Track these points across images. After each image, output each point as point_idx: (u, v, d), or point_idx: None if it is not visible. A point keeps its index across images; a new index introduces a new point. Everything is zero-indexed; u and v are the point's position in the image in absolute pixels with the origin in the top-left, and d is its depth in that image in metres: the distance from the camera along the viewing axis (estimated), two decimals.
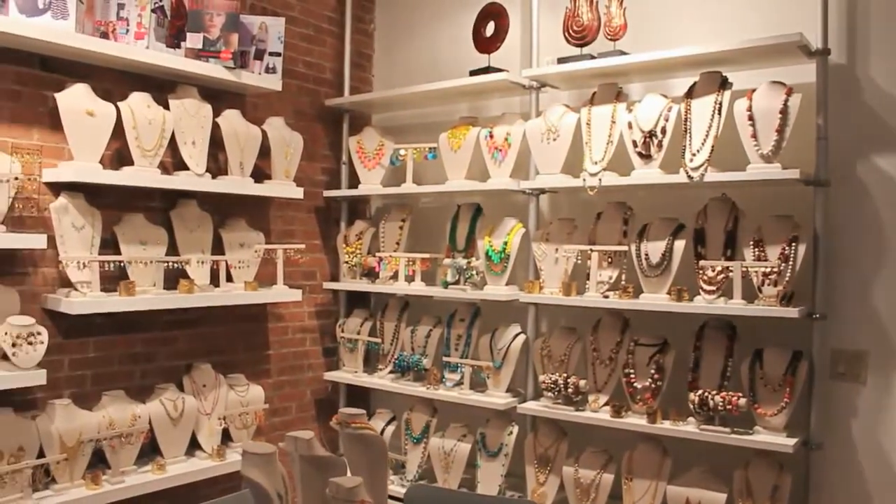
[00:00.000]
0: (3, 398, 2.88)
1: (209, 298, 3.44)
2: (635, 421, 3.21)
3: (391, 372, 4.11)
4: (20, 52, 3.03)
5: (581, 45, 3.46)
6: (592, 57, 3.40)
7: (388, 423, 4.09)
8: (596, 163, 3.34)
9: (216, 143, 3.54)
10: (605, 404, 3.37)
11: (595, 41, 3.44)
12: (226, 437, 3.61)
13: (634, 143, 3.26)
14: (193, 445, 3.48)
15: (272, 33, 3.69)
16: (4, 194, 2.83)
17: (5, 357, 2.81)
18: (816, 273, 2.98)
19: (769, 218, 3.08)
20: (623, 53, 3.31)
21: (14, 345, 2.79)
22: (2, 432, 2.82)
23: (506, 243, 3.66)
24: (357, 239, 4.26)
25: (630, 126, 3.29)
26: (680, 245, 3.22)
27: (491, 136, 3.75)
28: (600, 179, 3.30)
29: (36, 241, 2.85)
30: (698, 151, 3.08)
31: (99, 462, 3.14)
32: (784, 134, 2.93)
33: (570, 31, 3.48)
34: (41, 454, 2.93)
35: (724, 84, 3.12)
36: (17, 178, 2.88)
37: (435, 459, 3.83)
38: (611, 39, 3.39)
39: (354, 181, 4.31)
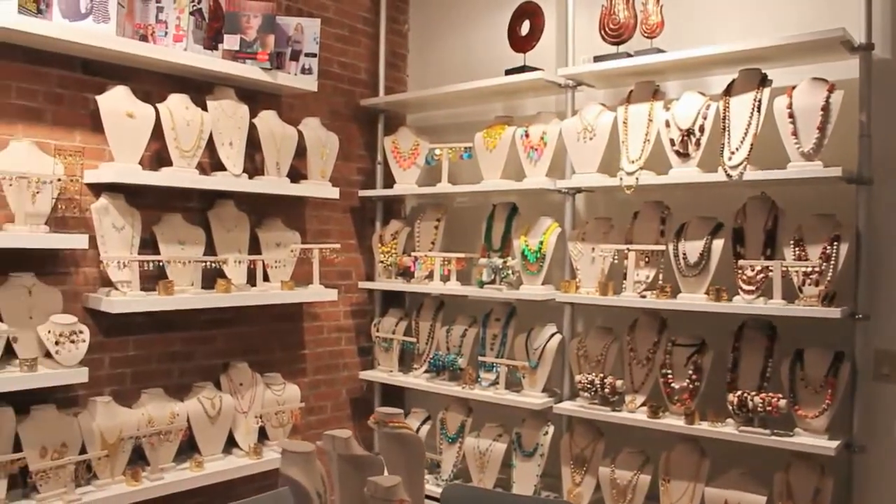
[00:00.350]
0: (47, 395, 2.93)
1: (246, 298, 3.47)
2: (673, 422, 3.18)
3: (426, 371, 4.12)
4: (63, 55, 3.09)
5: (617, 43, 3.43)
6: (629, 55, 3.37)
7: (423, 422, 4.09)
8: (633, 161, 3.31)
9: (253, 144, 3.57)
10: (642, 405, 3.34)
11: (631, 39, 3.42)
12: (262, 435, 3.63)
13: (672, 142, 3.22)
14: (230, 443, 3.51)
15: (308, 34, 3.71)
16: (48, 195, 2.88)
17: (48, 355, 2.86)
18: (859, 272, 2.92)
19: (810, 217, 3.03)
20: (660, 51, 3.28)
21: (57, 343, 2.84)
22: (46, 429, 2.88)
23: (542, 243, 3.65)
24: (392, 239, 4.27)
25: (667, 124, 3.25)
26: (718, 244, 3.18)
27: (527, 136, 3.74)
28: (637, 178, 3.27)
29: (78, 241, 2.89)
30: (737, 150, 3.04)
31: (138, 459, 3.19)
32: (826, 131, 2.88)
33: (607, 29, 3.45)
34: (83, 450, 2.98)
35: (763, 81, 3.08)
36: (59, 180, 2.93)
37: (470, 459, 3.83)
38: (647, 37, 3.36)
39: (389, 181, 4.32)
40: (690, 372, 3.20)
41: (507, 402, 3.68)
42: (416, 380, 4.06)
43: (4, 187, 2.78)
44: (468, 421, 3.94)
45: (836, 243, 2.92)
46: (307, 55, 3.72)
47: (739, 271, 3.07)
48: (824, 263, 2.92)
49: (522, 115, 4.00)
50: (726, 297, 3.09)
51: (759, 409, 2.92)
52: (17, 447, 2.80)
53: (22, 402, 2.83)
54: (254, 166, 3.68)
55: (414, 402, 4.43)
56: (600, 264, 3.48)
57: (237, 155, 3.48)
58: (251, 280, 3.58)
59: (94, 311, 3.14)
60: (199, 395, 3.39)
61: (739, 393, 2.99)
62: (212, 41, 3.40)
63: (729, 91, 3.15)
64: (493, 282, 3.76)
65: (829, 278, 2.91)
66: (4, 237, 2.73)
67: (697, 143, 3.17)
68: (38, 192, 2.84)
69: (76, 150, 3.08)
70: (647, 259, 3.34)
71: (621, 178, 3.31)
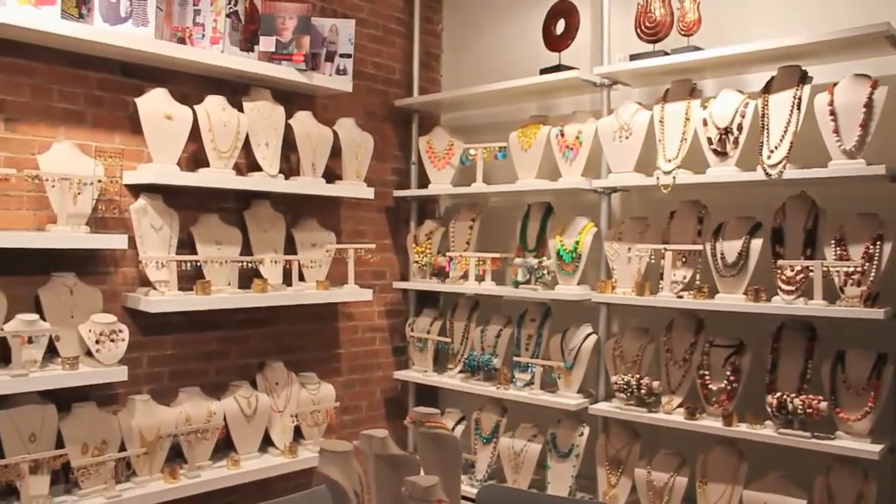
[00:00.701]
0: (88, 393, 2.98)
1: (282, 298, 3.49)
2: (710, 423, 3.15)
3: (461, 371, 4.11)
4: (103, 59, 3.13)
5: (654, 42, 3.40)
6: (666, 53, 3.33)
7: (458, 422, 4.09)
8: (670, 161, 3.28)
9: (289, 145, 3.60)
10: (679, 406, 3.31)
11: (668, 37, 3.38)
12: (297, 434, 3.65)
13: (709, 141, 3.19)
14: (266, 442, 3.54)
15: (342, 35, 3.72)
16: (89, 196, 2.92)
17: (89, 353, 2.91)
18: None
19: (852, 216, 2.97)
20: (697, 49, 3.24)
21: (98, 342, 2.88)
22: (87, 426, 2.93)
23: (577, 243, 3.63)
24: (427, 239, 4.27)
25: (705, 123, 3.21)
26: (757, 244, 3.14)
27: (562, 135, 3.72)
28: (674, 178, 3.24)
29: (117, 241, 2.93)
30: (776, 148, 3.00)
31: (176, 456, 3.22)
32: (868, 129, 2.83)
33: (643, 27, 3.42)
34: (122, 447, 3.02)
35: (803, 78, 3.03)
36: (100, 181, 2.98)
37: (505, 459, 3.82)
38: (684, 35, 3.32)
39: (424, 181, 4.33)
40: (728, 373, 3.16)
41: (542, 403, 3.66)
42: (451, 380, 4.06)
43: (47, 188, 2.83)
44: (503, 421, 3.93)
45: (878, 243, 2.87)
46: (342, 56, 3.74)
47: (779, 271, 3.03)
48: (867, 263, 2.87)
49: (557, 115, 3.98)
50: (765, 298, 3.04)
51: (798, 411, 2.87)
52: (60, 444, 2.85)
53: (64, 399, 2.88)
54: (289, 167, 3.70)
55: (448, 402, 4.43)
56: (636, 264, 3.45)
57: (273, 156, 3.50)
58: (287, 280, 3.60)
59: (132, 310, 3.18)
60: (235, 394, 3.42)
61: (779, 395, 2.95)
62: (248, 43, 3.43)
63: (768, 88, 3.11)
64: (528, 282, 3.74)
65: (871, 278, 2.86)
66: (48, 238, 2.78)
67: (735, 142, 3.13)
68: (79, 194, 2.89)
69: (116, 151, 3.13)
70: (684, 259, 3.31)
71: (658, 178, 3.28)
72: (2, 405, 2.74)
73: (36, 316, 2.79)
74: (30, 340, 2.75)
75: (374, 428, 2.20)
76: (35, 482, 2.74)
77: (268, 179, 3.46)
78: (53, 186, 2.83)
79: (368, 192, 3.89)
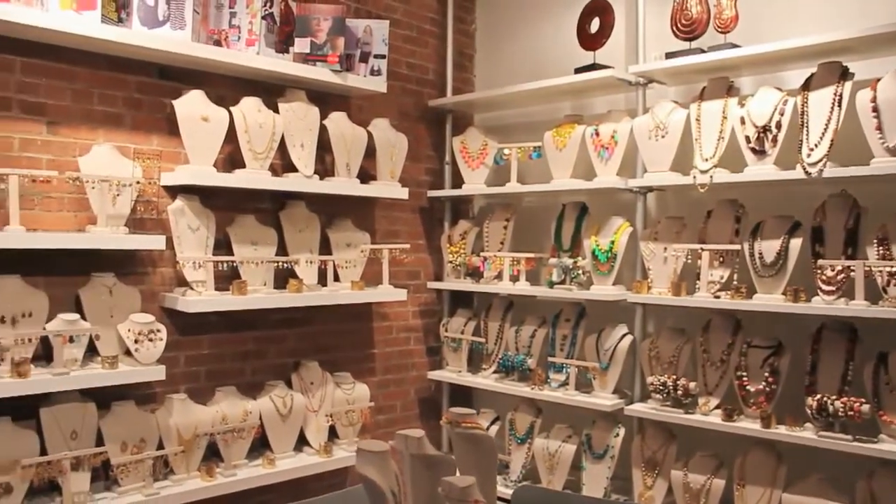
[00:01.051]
0: (126, 392, 3.02)
1: (317, 298, 3.50)
2: (748, 425, 3.10)
3: (495, 372, 4.10)
4: (141, 62, 3.17)
5: (690, 39, 3.36)
6: (702, 51, 3.30)
7: (492, 423, 4.08)
8: (706, 159, 3.24)
9: (323, 145, 3.62)
10: (716, 407, 3.27)
11: (704, 34, 3.34)
12: (332, 434, 3.67)
13: (747, 139, 3.15)
14: (301, 441, 3.56)
15: (377, 36, 3.73)
16: (128, 198, 2.97)
17: (128, 353, 2.95)
18: None
19: (895, 214, 2.92)
20: (735, 46, 3.20)
21: (136, 341, 2.92)
22: (126, 424, 2.97)
23: (613, 242, 3.60)
24: (461, 239, 4.27)
25: (742, 121, 3.17)
26: (796, 244, 3.09)
27: (597, 134, 3.69)
28: (711, 176, 3.20)
29: (156, 242, 2.97)
30: (816, 146, 2.95)
31: (212, 455, 3.25)
32: None
33: (679, 25, 3.39)
34: (160, 446, 3.06)
35: (844, 74, 2.97)
36: (138, 182, 3.02)
37: (539, 460, 3.80)
38: (721, 32, 3.28)
39: (458, 181, 4.33)
40: (766, 374, 3.12)
41: (577, 404, 3.64)
42: (485, 380, 4.05)
43: (88, 190, 2.88)
44: (537, 422, 3.91)
45: None
46: (376, 56, 3.75)
47: (819, 271, 2.98)
48: None
49: (592, 114, 3.96)
50: (804, 298, 3.00)
51: (839, 413, 2.82)
52: (100, 441, 2.89)
53: (103, 397, 2.92)
54: (324, 167, 3.72)
55: (482, 402, 4.42)
56: (673, 264, 3.41)
57: (308, 156, 3.52)
58: (322, 280, 3.62)
59: (170, 310, 3.22)
60: (271, 394, 3.44)
61: (819, 397, 2.90)
62: (283, 44, 3.45)
63: (807, 85, 3.06)
64: (563, 282, 3.72)
65: None
66: (88, 238, 2.82)
67: (774, 140, 3.09)
68: (118, 195, 2.93)
69: (154, 153, 3.16)
70: (721, 259, 3.27)
71: (695, 177, 3.25)
72: (44, 403, 2.79)
73: (77, 316, 2.83)
74: (71, 340, 2.79)
75: (407, 428, 2.20)
76: (76, 479, 2.78)
77: (303, 180, 3.48)
78: (93, 188, 2.87)
79: (403, 193, 3.90)
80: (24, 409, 2.75)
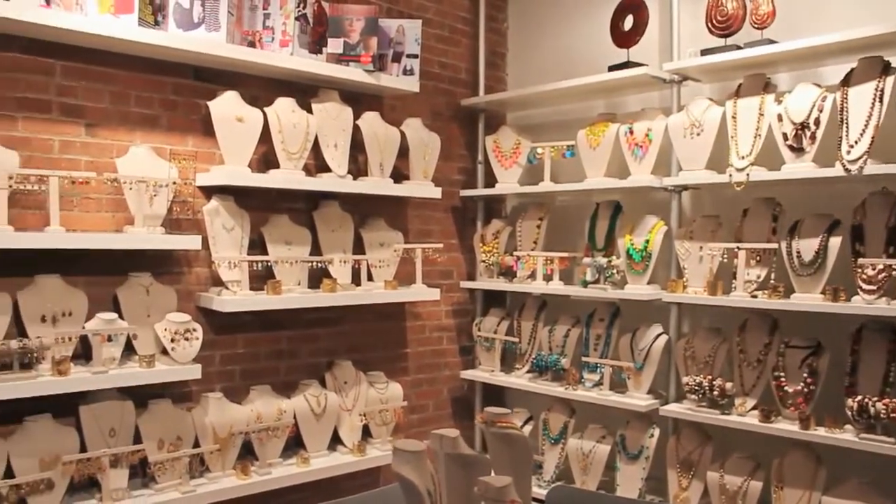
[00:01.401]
0: (163, 390, 3.06)
1: (351, 297, 3.52)
2: (786, 427, 3.06)
3: (529, 371, 4.09)
4: (177, 64, 3.20)
5: (725, 36, 3.32)
6: (738, 47, 3.25)
7: (525, 422, 4.07)
8: (743, 157, 3.20)
9: (356, 145, 3.63)
10: (753, 408, 3.23)
11: (740, 30, 3.30)
12: (366, 433, 3.68)
13: (785, 136, 3.10)
14: (335, 440, 3.57)
15: (409, 36, 3.74)
16: (164, 198, 3.00)
17: (165, 352, 2.98)
18: None
19: None
20: (771, 42, 3.15)
21: (173, 340, 2.95)
22: (162, 422, 3.00)
23: (647, 241, 3.57)
24: (494, 238, 4.26)
25: (780, 118, 3.13)
26: (835, 242, 3.04)
27: (631, 133, 3.66)
28: (748, 175, 3.16)
29: (192, 242, 3.00)
30: (856, 143, 2.90)
31: (247, 453, 3.28)
32: None
33: (714, 21, 3.35)
34: (196, 444, 3.09)
35: (886, 69, 2.91)
36: (174, 183, 3.05)
37: (573, 460, 3.78)
38: (758, 28, 3.23)
39: (490, 180, 4.32)
40: (805, 375, 3.07)
41: (611, 404, 3.61)
42: (518, 380, 4.04)
43: (125, 191, 2.91)
44: (571, 422, 3.89)
45: None
46: (409, 56, 3.75)
47: (859, 270, 2.92)
48: None
49: (625, 112, 3.92)
50: (844, 298, 2.94)
51: (881, 415, 2.77)
52: (137, 439, 2.93)
53: (141, 396, 2.96)
54: (357, 167, 3.73)
55: (514, 402, 4.41)
56: (708, 263, 3.38)
57: (342, 156, 3.53)
58: (355, 280, 3.63)
59: (205, 309, 3.25)
60: (304, 393, 3.46)
61: (859, 398, 2.85)
62: (316, 45, 3.47)
63: (847, 81, 3.00)
64: (597, 281, 3.70)
65: None
66: (126, 239, 2.86)
67: (812, 137, 3.04)
68: (155, 196, 2.96)
69: (189, 154, 3.19)
70: (758, 258, 3.22)
71: (731, 175, 3.21)
72: (84, 401, 2.83)
73: (115, 315, 2.87)
74: (109, 339, 2.83)
75: (440, 427, 2.20)
76: (115, 476, 2.82)
77: (336, 180, 3.49)
78: (131, 189, 2.91)
79: (436, 192, 3.90)
80: (65, 407, 2.79)
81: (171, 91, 3.22)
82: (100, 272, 3.00)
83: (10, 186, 2.62)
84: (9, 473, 2.64)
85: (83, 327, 2.82)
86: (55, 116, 2.91)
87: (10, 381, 2.54)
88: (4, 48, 2.78)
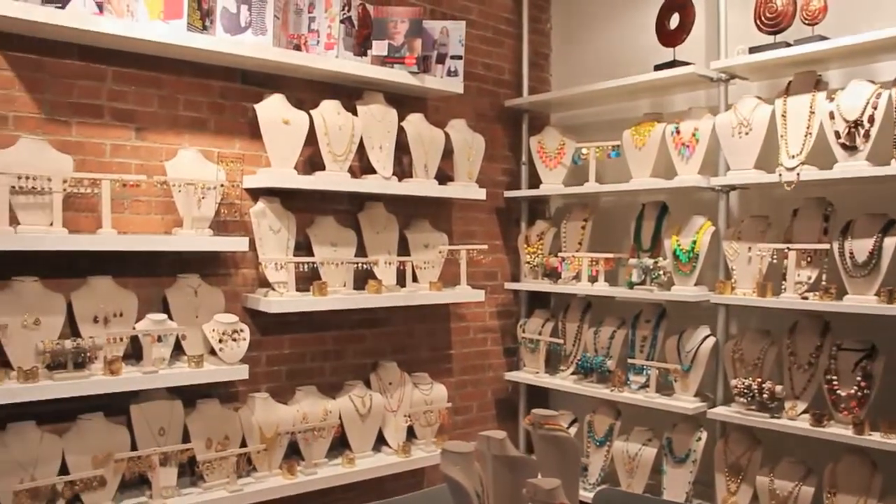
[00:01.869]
0: (211, 390, 3.10)
1: (396, 298, 3.52)
2: (839, 431, 2.99)
3: (573, 373, 4.06)
4: (224, 68, 3.25)
5: (775, 32, 3.26)
6: (788, 44, 3.19)
7: (570, 424, 4.05)
8: (793, 156, 3.14)
9: (401, 147, 3.64)
10: (804, 412, 3.17)
11: (789, 27, 3.24)
12: (410, 434, 3.69)
13: (837, 135, 3.03)
14: (380, 441, 3.58)
15: (453, 37, 3.74)
16: (212, 200, 3.03)
17: (213, 352, 3.02)
18: None
19: None
20: (823, 38, 3.09)
21: (221, 341, 2.98)
22: (210, 422, 3.04)
23: (694, 242, 3.52)
24: (538, 239, 4.24)
25: (832, 116, 3.06)
26: (890, 242, 2.96)
27: (677, 132, 3.62)
28: (798, 174, 3.10)
29: (239, 243, 3.03)
30: None
31: (293, 453, 3.30)
32: None
33: (763, 18, 3.29)
34: (243, 443, 3.12)
35: None
36: (222, 185, 3.08)
37: (619, 463, 3.75)
38: (808, 24, 3.17)
39: (534, 181, 4.30)
40: (859, 378, 3.00)
41: (657, 406, 3.57)
42: (563, 381, 4.01)
43: (174, 193, 2.96)
44: (617, 424, 3.86)
45: None
46: (453, 58, 3.75)
47: None
48: None
49: (671, 111, 3.88)
50: None
51: None
52: (185, 438, 2.97)
53: (189, 395, 3.00)
54: (402, 169, 3.74)
55: (559, 403, 4.39)
56: (757, 264, 3.32)
57: (387, 158, 3.55)
58: (400, 281, 3.64)
59: (252, 310, 3.28)
60: (350, 394, 3.48)
61: None
62: (361, 47, 3.48)
63: None
64: (643, 282, 3.66)
65: None
66: (175, 241, 2.90)
67: (866, 135, 2.97)
68: (203, 198, 3.00)
69: (236, 156, 3.23)
70: (808, 259, 3.16)
71: (780, 175, 3.15)
72: (134, 400, 2.88)
73: (164, 316, 2.92)
74: (159, 339, 2.88)
75: (484, 428, 2.19)
76: (164, 474, 2.86)
77: (382, 182, 3.50)
78: (180, 191, 2.95)
79: (480, 193, 3.89)
80: (116, 406, 2.85)
81: (218, 95, 3.26)
82: (149, 273, 3.05)
83: (65, 190, 2.68)
84: (63, 470, 2.70)
85: (134, 328, 2.87)
86: (107, 121, 2.97)
87: (64, 381, 2.60)
88: (60, 55, 2.85)
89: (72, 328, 2.81)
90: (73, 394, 2.60)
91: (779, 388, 3.18)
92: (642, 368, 3.71)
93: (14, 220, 2.61)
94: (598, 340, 3.94)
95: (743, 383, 3.26)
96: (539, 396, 4.44)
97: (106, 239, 2.72)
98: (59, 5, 2.64)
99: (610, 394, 3.75)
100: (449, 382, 4.04)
